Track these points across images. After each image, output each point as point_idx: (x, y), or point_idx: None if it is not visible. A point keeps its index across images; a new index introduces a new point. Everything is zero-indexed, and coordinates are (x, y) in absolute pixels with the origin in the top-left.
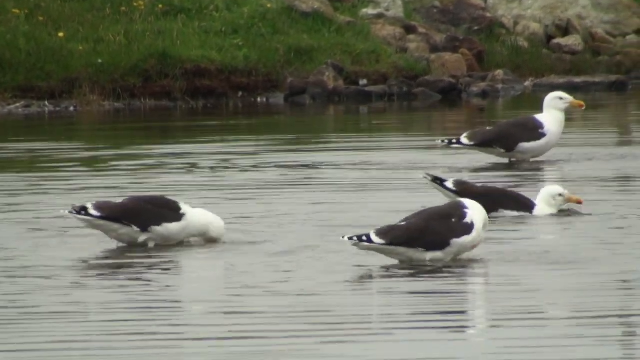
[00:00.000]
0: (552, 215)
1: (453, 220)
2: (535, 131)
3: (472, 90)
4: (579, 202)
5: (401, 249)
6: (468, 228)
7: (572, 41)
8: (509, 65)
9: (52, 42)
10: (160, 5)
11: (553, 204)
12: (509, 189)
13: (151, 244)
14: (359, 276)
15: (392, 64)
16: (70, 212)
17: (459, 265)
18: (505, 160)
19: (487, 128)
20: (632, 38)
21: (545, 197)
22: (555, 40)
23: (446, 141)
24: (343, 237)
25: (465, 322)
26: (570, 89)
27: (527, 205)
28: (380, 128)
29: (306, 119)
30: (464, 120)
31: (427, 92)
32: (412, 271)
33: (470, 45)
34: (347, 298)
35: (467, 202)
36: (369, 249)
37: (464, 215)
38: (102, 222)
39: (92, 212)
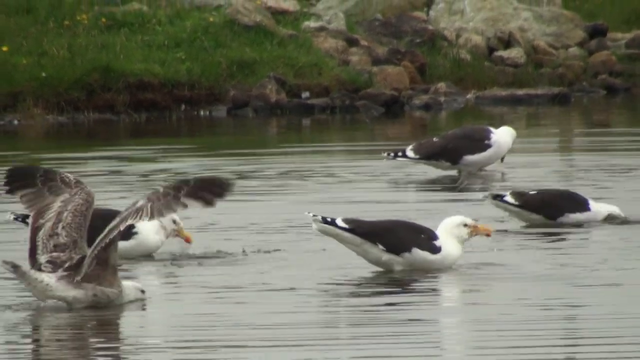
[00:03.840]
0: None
1: (423, 236)
2: (481, 142)
3: (415, 103)
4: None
5: (359, 240)
6: (434, 249)
7: (515, 54)
8: (451, 77)
9: None
10: (104, 19)
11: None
12: (563, 190)
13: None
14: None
15: (334, 77)
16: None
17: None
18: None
19: (434, 139)
20: (574, 50)
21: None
22: (498, 53)
23: (392, 154)
24: (308, 213)
25: None
26: (512, 101)
27: (584, 205)
28: (323, 139)
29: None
30: (406, 133)
31: (370, 104)
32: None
33: (413, 58)
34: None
35: (442, 233)
36: (327, 232)
37: (434, 238)
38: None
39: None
